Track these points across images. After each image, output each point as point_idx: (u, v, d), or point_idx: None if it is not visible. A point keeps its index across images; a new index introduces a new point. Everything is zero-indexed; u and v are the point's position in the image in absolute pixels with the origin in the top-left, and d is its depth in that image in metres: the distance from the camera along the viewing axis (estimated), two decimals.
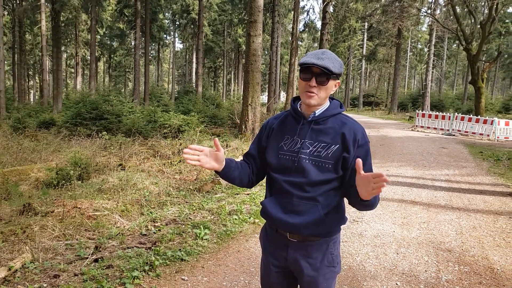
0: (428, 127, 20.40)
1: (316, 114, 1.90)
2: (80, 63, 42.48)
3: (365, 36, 47.16)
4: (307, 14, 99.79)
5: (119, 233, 4.90)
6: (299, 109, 1.97)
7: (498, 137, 16.96)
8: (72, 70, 56.26)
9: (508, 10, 42.50)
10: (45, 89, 28.56)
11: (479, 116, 19.63)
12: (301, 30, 38.24)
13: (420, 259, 4.38)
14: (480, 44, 23.12)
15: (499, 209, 6.44)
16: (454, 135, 18.32)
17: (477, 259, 4.42)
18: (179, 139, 12.88)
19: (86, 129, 14.10)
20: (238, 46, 46.63)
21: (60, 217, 5.29)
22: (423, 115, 21.34)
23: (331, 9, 23.82)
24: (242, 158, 2.14)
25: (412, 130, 20.59)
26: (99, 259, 4.10)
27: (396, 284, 3.81)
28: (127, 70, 57.77)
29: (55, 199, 6.17)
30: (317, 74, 1.81)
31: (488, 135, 17.31)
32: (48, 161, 9.58)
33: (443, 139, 16.15)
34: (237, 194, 7.05)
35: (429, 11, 32.19)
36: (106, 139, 11.23)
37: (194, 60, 42.60)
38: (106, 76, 60.68)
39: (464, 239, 5.01)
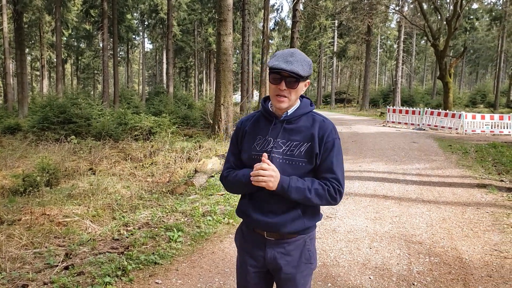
0: (399, 123, 20.77)
1: (288, 114, 1.91)
2: (46, 66, 41.28)
3: (336, 33, 47.66)
4: (277, 12, 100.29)
5: (90, 238, 4.78)
6: (270, 109, 1.96)
7: (465, 131, 17.43)
8: (38, 73, 54.67)
9: (473, 7, 43.80)
10: (9, 93, 27.77)
11: (447, 110, 20.14)
12: (271, 28, 38.47)
13: (392, 253, 4.46)
14: (447, 40, 23.73)
15: (467, 200, 6.62)
16: (424, 129, 18.74)
17: (446, 250, 4.53)
18: (150, 141, 12.71)
19: (54, 134, 13.74)
20: (209, 45, 46.36)
21: (28, 225, 5.13)
22: (394, 111, 21.73)
23: (301, 7, 23.97)
24: (227, 171, 2.05)
25: (383, 126, 20.91)
26: (70, 267, 3.99)
27: (370, 278, 3.86)
28: (96, 72, 56.66)
29: (22, 207, 5.99)
30: (286, 77, 1.81)
31: (456, 129, 17.78)
32: (14, 168, 9.32)
33: (414, 134, 16.50)
34: (211, 195, 7.00)
35: (397, 8, 32.84)
36: (75, 143, 10.98)
37: (164, 60, 42.15)
38: (74, 78, 59.29)
39: (434, 231, 5.13)
